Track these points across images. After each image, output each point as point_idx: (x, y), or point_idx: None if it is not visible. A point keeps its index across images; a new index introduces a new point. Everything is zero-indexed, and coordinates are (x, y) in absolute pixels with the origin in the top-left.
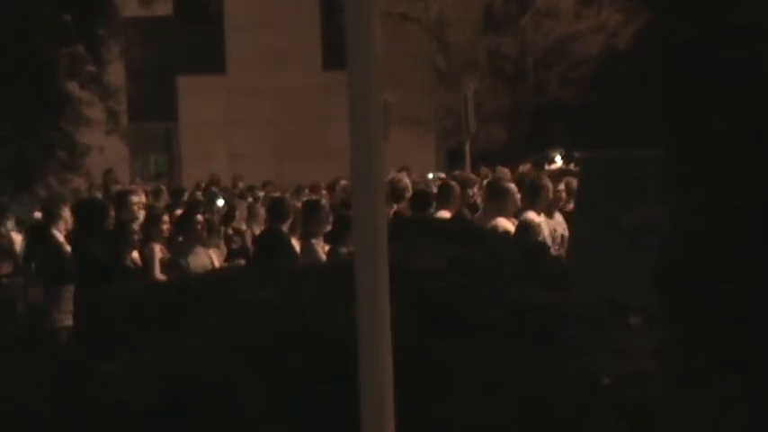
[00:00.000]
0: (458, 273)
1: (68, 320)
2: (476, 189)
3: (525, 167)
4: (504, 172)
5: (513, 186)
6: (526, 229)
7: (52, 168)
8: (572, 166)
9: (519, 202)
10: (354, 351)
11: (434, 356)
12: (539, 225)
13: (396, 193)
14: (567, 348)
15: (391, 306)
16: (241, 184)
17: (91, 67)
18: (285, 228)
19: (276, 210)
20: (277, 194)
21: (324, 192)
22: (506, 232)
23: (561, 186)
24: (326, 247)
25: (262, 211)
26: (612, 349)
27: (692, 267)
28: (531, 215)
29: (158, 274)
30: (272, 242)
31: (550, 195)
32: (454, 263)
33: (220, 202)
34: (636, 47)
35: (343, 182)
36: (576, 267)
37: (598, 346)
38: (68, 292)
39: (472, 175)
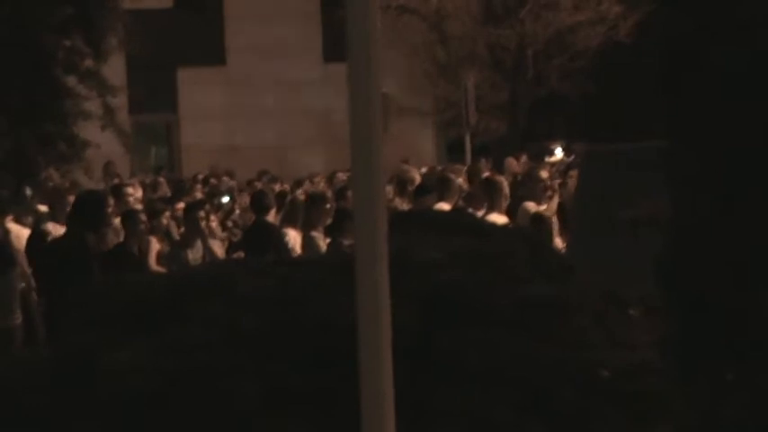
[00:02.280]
0: (461, 265)
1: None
2: (461, 180)
3: (520, 159)
4: (511, 163)
5: (503, 180)
6: (539, 221)
7: (52, 160)
8: (573, 158)
9: (508, 196)
10: (355, 343)
11: (436, 348)
12: (550, 217)
13: (401, 185)
14: (568, 340)
15: (392, 298)
16: (226, 179)
17: (90, 61)
18: (270, 218)
19: (258, 202)
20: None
21: (321, 183)
22: (508, 225)
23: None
24: (327, 240)
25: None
26: (613, 341)
27: (693, 259)
28: (531, 206)
29: (155, 266)
30: (259, 235)
31: (546, 186)
32: (457, 255)
33: (225, 199)
34: (636, 38)
35: (340, 174)
36: (576, 259)
37: (599, 338)
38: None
39: (458, 166)
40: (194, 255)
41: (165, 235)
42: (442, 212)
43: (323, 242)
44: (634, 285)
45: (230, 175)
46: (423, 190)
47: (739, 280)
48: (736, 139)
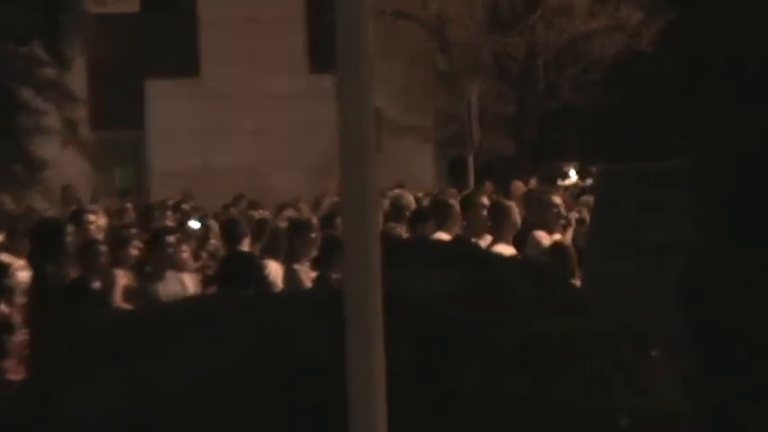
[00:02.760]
0: (463, 301)
1: None
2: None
3: (529, 182)
4: (518, 186)
5: (512, 207)
6: (559, 252)
7: (5, 183)
8: (588, 181)
9: (518, 223)
10: (345, 388)
11: (434, 393)
12: (571, 247)
13: (396, 211)
14: (582, 384)
15: (386, 338)
16: (185, 206)
17: (50, 70)
18: (245, 247)
19: (230, 231)
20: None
21: (305, 209)
22: (516, 256)
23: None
24: (313, 274)
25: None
26: (632, 384)
27: (723, 291)
28: (542, 235)
29: (120, 302)
30: (235, 267)
31: (560, 213)
32: (459, 290)
33: (195, 225)
34: (658, 47)
35: (328, 199)
36: (591, 291)
37: (617, 381)
38: None
39: (452, 191)
40: (165, 289)
41: (132, 267)
42: (442, 242)
43: (308, 276)
44: (657, 321)
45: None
46: (420, 217)
47: None
48: (764, 153)
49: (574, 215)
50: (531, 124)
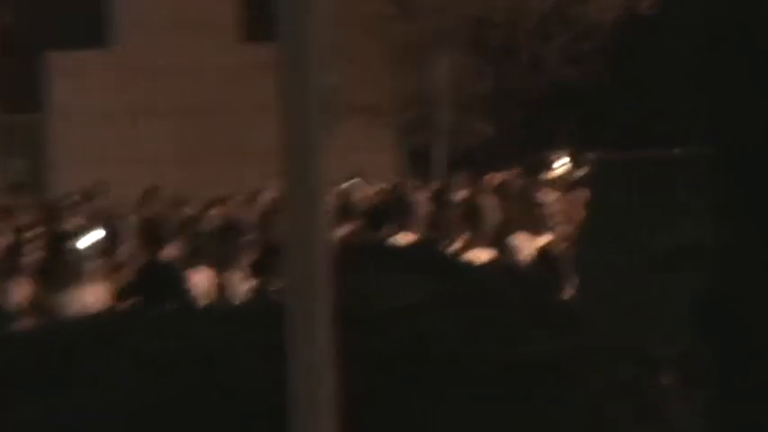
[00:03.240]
0: (432, 315)
1: None
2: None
3: (511, 174)
4: (497, 180)
5: (487, 203)
6: (547, 257)
7: None
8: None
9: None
10: (284, 416)
11: (396, 424)
12: (561, 253)
13: (347, 208)
14: (578, 414)
15: (339, 359)
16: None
17: None
18: (168, 254)
19: (149, 234)
20: (179, 206)
21: (239, 206)
22: (492, 262)
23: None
24: (248, 284)
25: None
26: (640, 414)
27: (745, 304)
28: (526, 238)
29: (17, 317)
30: (154, 277)
31: (548, 212)
32: (427, 301)
33: (96, 235)
34: (665, 11)
35: (267, 194)
36: (584, 304)
37: (620, 411)
38: None
39: (417, 184)
40: (68, 301)
41: (32, 276)
42: (405, 246)
43: (243, 286)
44: (667, 339)
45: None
46: (378, 216)
47: None
48: None
49: (563, 212)
50: (512, 105)
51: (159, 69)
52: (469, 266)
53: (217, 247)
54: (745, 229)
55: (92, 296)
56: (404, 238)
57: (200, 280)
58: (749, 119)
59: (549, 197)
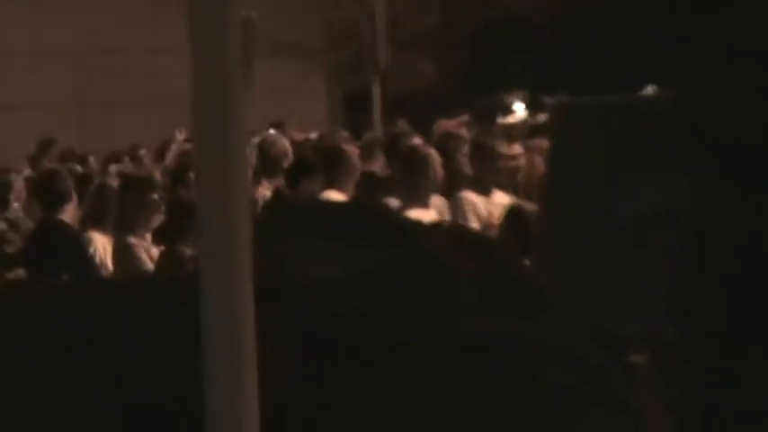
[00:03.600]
0: (367, 288)
1: None
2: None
3: (460, 120)
4: (444, 127)
5: (432, 154)
6: (517, 218)
7: None
8: (541, 118)
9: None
10: (199, 406)
11: (324, 414)
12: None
13: (269, 162)
14: (539, 403)
15: (261, 339)
16: None
17: None
18: (67, 216)
19: (45, 191)
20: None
21: (146, 160)
22: (439, 224)
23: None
24: (156, 250)
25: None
26: (608, 403)
27: (727, 274)
28: (471, 195)
29: None
30: (46, 242)
31: (504, 164)
32: (361, 272)
33: None
34: None
35: (177, 145)
36: (546, 274)
37: (586, 400)
38: None
39: (345, 133)
40: None
41: None
42: (336, 204)
43: (149, 252)
44: (639, 316)
45: None
46: (303, 169)
47: None
48: None
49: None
50: (461, 42)
51: (50, 6)
52: (414, 230)
53: (119, 208)
54: (730, 189)
55: None
56: (335, 196)
57: (101, 245)
58: (731, 57)
59: (504, 148)
